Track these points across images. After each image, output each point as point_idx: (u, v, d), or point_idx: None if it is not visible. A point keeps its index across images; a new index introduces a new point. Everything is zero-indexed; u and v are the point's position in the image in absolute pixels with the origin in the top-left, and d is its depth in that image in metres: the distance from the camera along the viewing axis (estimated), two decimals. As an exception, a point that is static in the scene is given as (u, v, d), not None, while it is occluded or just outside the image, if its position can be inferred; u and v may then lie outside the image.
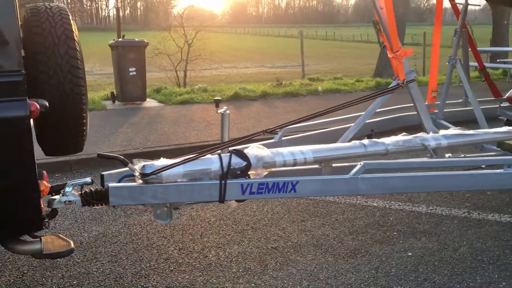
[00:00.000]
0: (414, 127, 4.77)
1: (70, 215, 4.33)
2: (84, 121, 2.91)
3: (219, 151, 3.32)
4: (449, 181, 3.41)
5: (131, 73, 9.19)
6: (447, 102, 5.59)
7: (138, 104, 9.38)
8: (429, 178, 3.38)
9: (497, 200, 4.71)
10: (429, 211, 4.48)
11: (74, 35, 2.80)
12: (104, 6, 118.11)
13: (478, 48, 6.13)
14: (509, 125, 4.66)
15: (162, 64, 15.29)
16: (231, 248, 3.74)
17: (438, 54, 5.56)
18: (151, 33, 16.02)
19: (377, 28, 4.05)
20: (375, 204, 4.63)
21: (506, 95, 6.23)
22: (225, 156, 3.16)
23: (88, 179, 3.03)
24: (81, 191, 2.97)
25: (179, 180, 3.09)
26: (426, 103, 5.52)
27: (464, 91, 5.69)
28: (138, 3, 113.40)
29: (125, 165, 3.07)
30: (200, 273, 3.37)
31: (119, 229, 4.08)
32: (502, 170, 3.44)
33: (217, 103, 3.82)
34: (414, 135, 3.85)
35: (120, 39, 9.34)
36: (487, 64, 13.08)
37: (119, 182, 3.13)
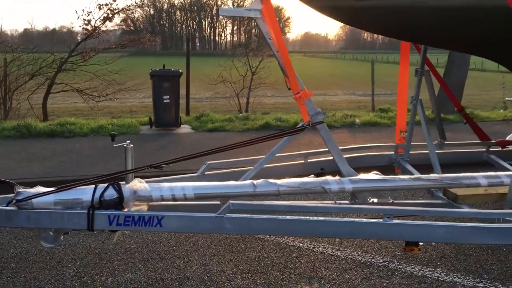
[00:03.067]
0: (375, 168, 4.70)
1: (15, 231, 4.80)
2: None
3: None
4: (320, 226, 3.36)
5: (165, 101, 9.77)
6: (422, 143, 5.36)
7: (171, 130, 9.91)
8: (295, 222, 3.36)
9: (436, 252, 4.39)
10: (350, 256, 4.32)
11: None
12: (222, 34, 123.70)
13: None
14: None
15: (225, 91, 15.95)
16: (123, 276, 3.94)
17: (406, 92, 5.37)
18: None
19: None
20: (300, 244, 4.56)
21: (507, 138, 5.77)
22: (100, 188, 3.42)
23: None
24: (-29, 212, 3.40)
25: (52, 208, 3.42)
26: (394, 143, 5.36)
27: (438, 133, 5.45)
28: (253, 30, 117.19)
29: (13, 190, 3.47)
30: (73, 296, 3.63)
31: (45, 248, 4.45)
32: (381, 220, 3.32)
33: (113, 137, 4.09)
34: (318, 178, 3.82)
35: (157, 69, 10.00)
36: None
37: (6, 205, 3.52)
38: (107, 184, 3.46)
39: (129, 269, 4.05)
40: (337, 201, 3.92)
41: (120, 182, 3.50)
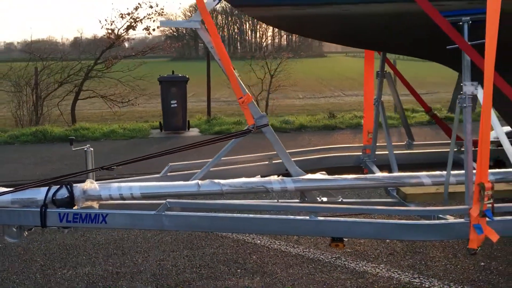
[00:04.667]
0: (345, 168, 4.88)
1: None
2: None
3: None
4: (250, 223, 3.56)
5: (172, 105, 10.16)
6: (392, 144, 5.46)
7: (179, 133, 10.28)
8: (226, 219, 3.59)
9: (386, 249, 4.52)
10: (302, 252, 4.50)
11: None
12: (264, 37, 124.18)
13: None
14: None
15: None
16: (82, 269, 4.28)
17: (373, 94, 5.47)
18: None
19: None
20: (258, 241, 4.77)
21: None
22: (54, 188, 3.77)
23: None
24: None
25: (10, 206, 3.79)
26: (363, 144, 5.48)
27: (406, 133, 5.52)
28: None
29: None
30: None
31: (22, 244, 4.84)
32: (307, 217, 3.51)
33: (71, 142, 4.42)
34: (261, 178, 4.04)
35: (165, 75, 10.41)
36: None
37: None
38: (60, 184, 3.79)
39: (91, 263, 4.39)
40: (280, 200, 4.11)
41: (75, 183, 3.81)
